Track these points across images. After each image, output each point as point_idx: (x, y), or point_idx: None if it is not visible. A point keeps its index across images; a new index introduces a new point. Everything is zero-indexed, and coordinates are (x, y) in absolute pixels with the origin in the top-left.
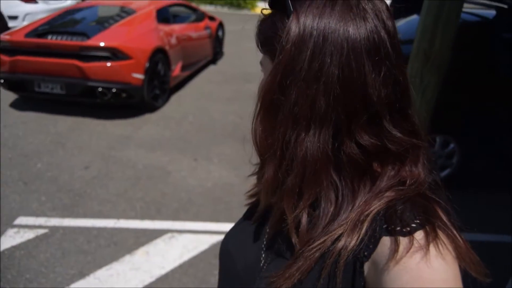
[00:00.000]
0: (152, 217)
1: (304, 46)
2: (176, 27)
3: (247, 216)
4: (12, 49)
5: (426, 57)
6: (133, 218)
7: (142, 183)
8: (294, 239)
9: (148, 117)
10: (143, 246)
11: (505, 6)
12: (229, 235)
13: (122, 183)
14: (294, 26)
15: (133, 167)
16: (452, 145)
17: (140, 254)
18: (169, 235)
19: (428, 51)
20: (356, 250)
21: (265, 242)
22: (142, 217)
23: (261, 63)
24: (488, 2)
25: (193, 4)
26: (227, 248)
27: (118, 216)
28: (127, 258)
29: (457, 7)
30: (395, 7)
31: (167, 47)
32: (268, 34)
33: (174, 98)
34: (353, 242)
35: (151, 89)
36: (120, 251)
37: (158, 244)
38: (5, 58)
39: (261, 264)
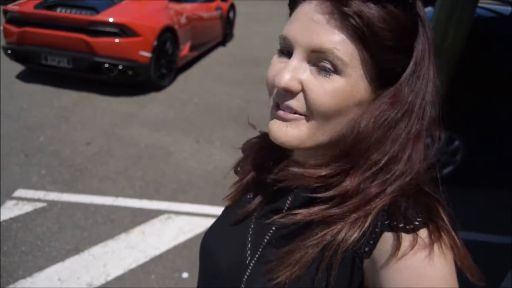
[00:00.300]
0: (150, 197)
1: (427, 58)
2: (187, 6)
3: (228, 216)
4: (20, 20)
5: (438, 51)
6: (131, 197)
7: (143, 162)
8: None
9: (153, 96)
10: (139, 226)
11: None
12: (209, 233)
13: (123, 161)
14: (423, 36)
15: (135, 146)
16: (456, 142)
17: (136, 233)
18: (166, 215)
19: (440, 45)
20: (356, 245)
21: (249, 239)
22: (141, 196)
23: (340, 56)
24: None
25: None
26: (208, 247)
27: (116, 194)
28: (123, 236)
29: (471, 4)
30: None
31: (176, 26)
32: (399, 33)
33: (181, 78)
34: (354, 236)
35: (158, 67)
36: (116, 229)
37: (155, 224)
38: (13, 28)
39: (247, 262)
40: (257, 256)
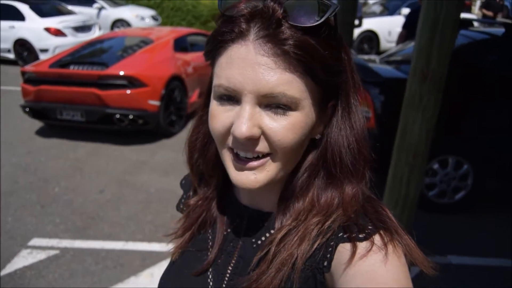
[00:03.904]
0: (159, 240)
1: (352, 67)
2: (194, 56)
3: (184, 259)
4: (36, 79)
5: (424, 75)
6: (141, 241)
7: (153, 206)
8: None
9: (164, 142)
10: (148, 268)
11: None
12: (167, 280)
13: (133, 207)
14: (344, 51)
15: (146, 191)
16: (465, 166)
17: (144, 276)
18: None
19: (425, 69)
20: (313, 261)
21: (210, 278)
22: (150, 239)
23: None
24: (488, 20)
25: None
26: None
27: (126, 239)
28: (132, 279)
29: (452, 24)
30: (407, 31)
31: (183, 75)
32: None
33: (192, 124)
34: (310, 251)
35: (167, 115)
36: (126, 273)
37: (163, 266)
38: (30, 88)
39: None
40: None
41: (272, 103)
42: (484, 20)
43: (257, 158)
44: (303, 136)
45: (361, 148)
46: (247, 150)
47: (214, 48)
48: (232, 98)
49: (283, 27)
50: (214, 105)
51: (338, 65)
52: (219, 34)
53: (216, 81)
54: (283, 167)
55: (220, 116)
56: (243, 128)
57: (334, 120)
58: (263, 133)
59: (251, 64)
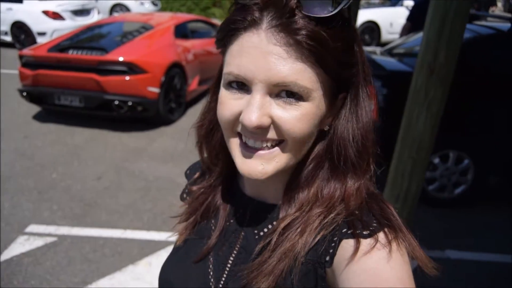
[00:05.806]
0: (158, 228)
1: (366, 61)
2: (194, 43)
3: (185, 247)
4: (35, 63)
5: (431, 70)
6: (139, 229)
7: (152, 194)
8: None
9: (163, 130)
10: (146, 257)
11: None
12: (168, 267)
13: (132, 194)
14: (357, 45)
15: (144, 179)
16: (466, 161)
17: (143, 265)
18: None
19: (432, 64)
20: (315, 255)
21: (211, 268)
22: (149, 228)
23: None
24: (499, 14)
25: (212, 20)
26: (169, 282)
27: (125, 227)
28: (130, 268)
29: (461, 18)
30: (412, 23)
31: (183, 62)
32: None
33: (191, 111)
34: (310, 244)
35: (166, 102)
36: (124, 261)
37: (162, 255)
38: (28, 72)
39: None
40: (221, 284)
41: (284, 92)
42: (491, 14)
43: (267, 147)
44: (313, 127)
45: (365, 142)
46: (256, 139)
47: (226, 36)
48: (242, 86)
49: (296, 17)
50: (223, 92)
51: (349, 57)
52: (232, 22)
53: (226, 69)
54: (293, 157)
55: (228, 103)
56: (252, 117)
57: (343, 112)
58: (273, 122)
59: (262, 53)
